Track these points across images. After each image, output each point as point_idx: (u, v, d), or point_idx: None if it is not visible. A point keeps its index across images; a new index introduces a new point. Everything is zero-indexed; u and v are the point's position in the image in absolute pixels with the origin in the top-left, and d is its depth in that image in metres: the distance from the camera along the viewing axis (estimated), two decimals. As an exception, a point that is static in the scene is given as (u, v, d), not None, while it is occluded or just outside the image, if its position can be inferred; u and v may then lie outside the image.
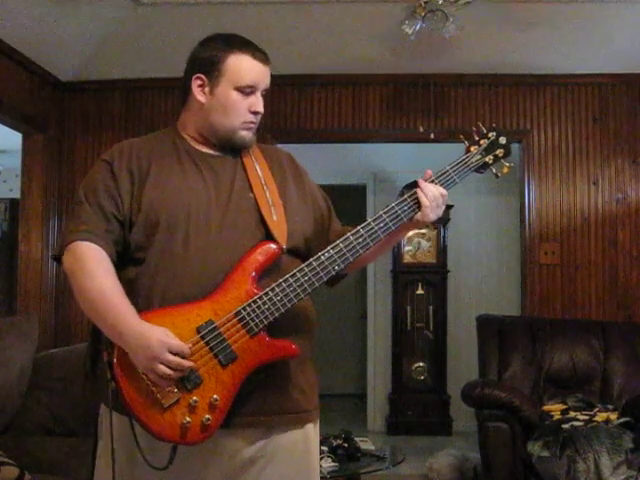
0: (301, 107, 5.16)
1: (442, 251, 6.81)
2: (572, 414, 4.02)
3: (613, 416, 4.00)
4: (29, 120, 4.78)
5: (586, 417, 3.97)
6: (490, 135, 2.07)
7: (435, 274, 6.80)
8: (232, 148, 1.99)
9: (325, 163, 6.37)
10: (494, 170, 2.07)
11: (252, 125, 1.98)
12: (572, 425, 3.87)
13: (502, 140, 2.08)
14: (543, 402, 4.26)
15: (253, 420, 1.86)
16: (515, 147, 5.11)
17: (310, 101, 5.15)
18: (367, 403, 7.16)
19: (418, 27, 3.97)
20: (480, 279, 6.93)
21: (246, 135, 1.98)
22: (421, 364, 6.75)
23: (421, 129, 5.01)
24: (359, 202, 7.06)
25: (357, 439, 4.11)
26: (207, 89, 1.95)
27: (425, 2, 3.87)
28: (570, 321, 4.81)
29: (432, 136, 4.97)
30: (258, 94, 1.96)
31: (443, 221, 6.63)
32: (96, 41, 4.62)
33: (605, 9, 4.27)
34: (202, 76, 1.95)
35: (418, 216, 1.97)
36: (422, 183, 1.99)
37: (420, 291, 6.80)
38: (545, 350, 4.45)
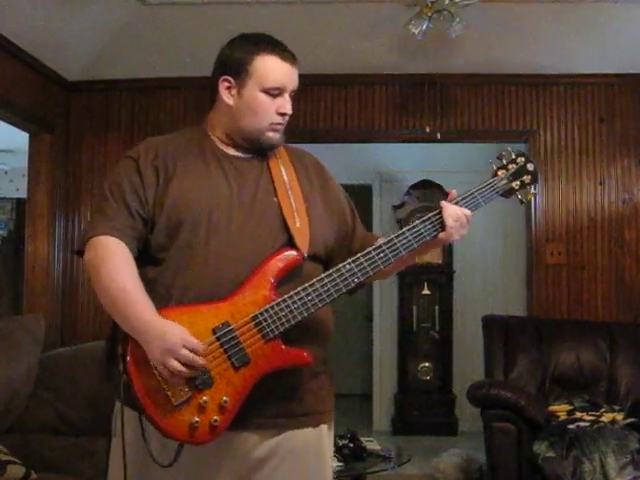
0: (307, 107, 5.15)
1: (448, 251, 6.81)
2: (578, 415, 4.01)
3: (619, 417, 3.99)
4: (36, 120, 4.79)
5: (592, 418, 3.96)
6: (519, 160, 2.06)
7: (441, 274, 6.80)
8: (260, 149, 1.99)
9: (331, 163, 6.27)
10: (519, 196, 2.07)
11: (279, 127, 1.98)
12: (578, 426, 3.86)
13: (530, 167, 2.06)
14: (549, 403, 4.25)
15: (265, 422, 1.86)
16: (521, 147, 5.10)
17: (316, 101, 5.14)
18: (373, 403, 7.16)
19: (424, 27, 3.96)
20: (486, 279, 6.92)
21: (273, 136, 1.98)
22: (427, 364, 6.76)
23: (427, 129, 5.00)
24: (365, 202, 7.06)
25: (363, 439, 4.10)
26: (234, 91, 1.95)
27: (432, 2, 3.87)
28: (576, 322, 4.80)
29: (438, 136, 4.97)
30: (286, 95, 1.96)
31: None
32: (103, 41, 4.63)
33: (612, 9, 4.27)
34: (229, 78, 1.94)
35: (442, 235, 1.95)
36: (445, 204, 1.96)
37: (426, 291, 6.80)
38: (551, 350, 4.44)
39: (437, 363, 6.77)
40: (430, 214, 1.96)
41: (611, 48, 4.66)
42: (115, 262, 1.83)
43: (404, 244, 1.91)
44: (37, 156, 4.95)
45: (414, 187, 6.76)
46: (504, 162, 2.06)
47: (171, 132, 2.12)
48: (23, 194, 5.29)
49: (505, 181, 2.04)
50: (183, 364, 1.71)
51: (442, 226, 1.95)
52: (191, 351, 1.72)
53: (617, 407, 4.14)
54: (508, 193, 2.06)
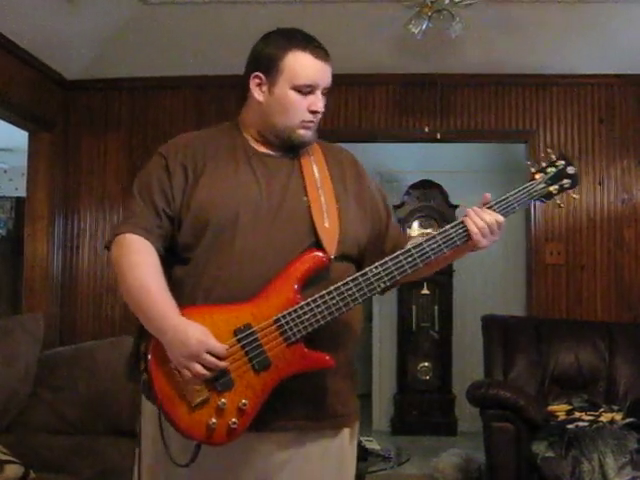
0: (307, 107, 5.14)
1: (447, 251, 6.79)
2: (577, 414, 4.01)
3: (618, 417, 3.99)
4: (35, 118, 4.79)
5: (591, 418, 3.96)
6: (559, 163, 1.96)
7: (440, 274, 6.73)
8: (291, 147, 1.96)
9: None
10: (558, 201, 1.99)
11: (311, 124, 1.95)
12: (577, 426, 3.87)
13: (570, 170, 1.96)
14: (548, 402, 4.25)
15: (287, 424, 1.84)
16: (521, 147, 5.10)
17: (316, 101, 5.13)
18: (372, 403, 7.15)
19: (424, 27, 3.96)
20: (486, 279, 6.91)
21: (304, 134, 1.95)
22: (426, 364, 6.75)
23: (427, 129, 5.00)
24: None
25: (362, 438, 4.10)
26: (265, 88, 1.92)
27: (432, 2, 3.87)
28: (575, 321, 4.81)
29: (438, 136, 4.97)
30: (318, 93, 1.93)
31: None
32: (103, 40, 4.63)
33: (612, 9, 4.27)
34: (260, 74, 1.92)
35: (471, 242, 1.89)
36: (470, 210, 1.91)
37: (425, 291, 6.78)
38: (550, 350, 4.44)
39: (437, 363, 6.76)
40: (463, 217, 1.91)
41: (611, 48, 4.66)
42: (139, 261, 1.83)
43: (433, 249, 1.86)
44: (36, 155, 4.95)
45: (414, 187, 6.74)
46: (543, 165, 1.97)
47: (200, 129, 2.09)
48: (22, 193, 5.29)
49: (543, 185, 1.95)
50: (205, 367, 1.71)
51: None
52: (213, 355, 1.71)
53: (616, 407, 4.14)
54: (546, 197, 1.96)
